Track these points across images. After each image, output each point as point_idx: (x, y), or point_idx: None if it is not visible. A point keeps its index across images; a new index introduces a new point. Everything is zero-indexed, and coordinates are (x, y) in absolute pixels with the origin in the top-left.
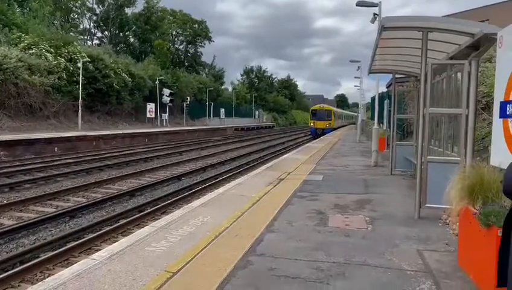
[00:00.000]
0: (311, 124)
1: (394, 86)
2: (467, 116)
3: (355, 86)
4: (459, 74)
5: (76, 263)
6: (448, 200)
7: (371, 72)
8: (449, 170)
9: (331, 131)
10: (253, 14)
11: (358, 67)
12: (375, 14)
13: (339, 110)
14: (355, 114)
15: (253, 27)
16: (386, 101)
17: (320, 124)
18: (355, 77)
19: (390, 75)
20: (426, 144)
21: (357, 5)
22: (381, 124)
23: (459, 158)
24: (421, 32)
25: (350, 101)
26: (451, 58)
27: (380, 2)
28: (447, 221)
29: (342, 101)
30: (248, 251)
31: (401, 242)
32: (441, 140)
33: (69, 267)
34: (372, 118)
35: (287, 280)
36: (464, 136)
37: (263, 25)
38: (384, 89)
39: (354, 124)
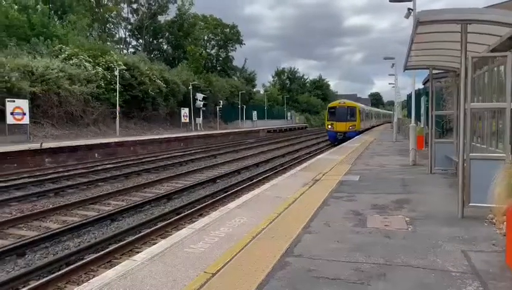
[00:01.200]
0: (329, 126)
1: (431, 82)
2: (511, 111)
3: (389, 83)
4: (501, 67)
5: (118, 264)
6: (493, 199)
7: (406, 68)
8: (493, 167)
9: (357, 135)
10: (282, 15)
11: (393, 64)
12: (409, 9)
13: (368, 107)
14: (390, 112)
15: (282, 28)
16: (423, 98)
17: (341, 126)
18: (389, 75)
19: (427, 71)
20: (468, 140)
21: (390, 1)
22: (418, 122)
23: (504, 154)
24: (460, 25)
25: (385, 100)
26: (492, 51)
27: None
28: (493, 220)
29: (376, 99)
30: (285, 252)
31: (444, 243)
32: (484, 136)
33: (113, 269)
34: (409, 115)
35: (326, 281)
36: (510, 131)
37: (292, 25)
38: (421, 86)
39: (389, 122)
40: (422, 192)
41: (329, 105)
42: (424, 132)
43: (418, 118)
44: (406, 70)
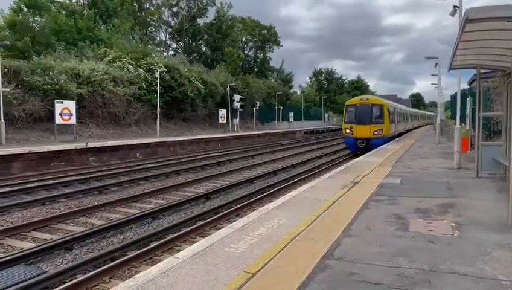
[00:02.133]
0: (346, 130)
1: (478, 82)
2: None
3: (432, 84)
4: None
5: (160, 261)
6: None
7: (451, 68)
8: None
9: (385, 143)
10: (319, 16)
11: (436, 64)
12: (455, 6)
13: (402, 106)
14: (431, 113)
15: (319, 29)
16: (468, 99)
17: (363, 131)
18: (432, 75)
19: (471, 72)
20: None
21: None
22: (463, 124)
23: None
24: (511, 23)
25: (426, 100)
26: None
27: None
28: None
29: (417, 100)
30: (325, 254)
31: (493, 250)
32: None
33: (156, 265)
34: (453, 117)
35: (368, 285)
36: None
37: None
38: (466, 86)
39: (431, 124)
40: (469, 196)
41: (348, 102)
42: (470, 134)
43: (463, 119)
44: (450, 70)
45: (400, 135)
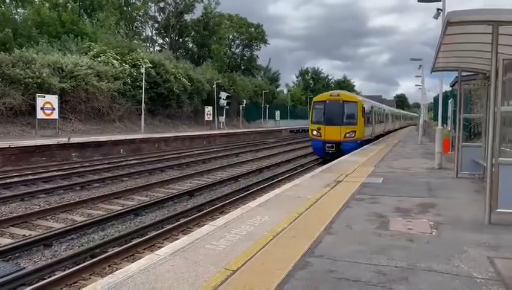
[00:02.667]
0: (313, 131)
1: (460, 84)
2: None
3: (416, 85)
4: None
5: (141, 258)
6: None
7: (434, 70)
8: None
9: (359, 147)
10: (307, 15)
11: (420, 65)
12: (438, 9)
13: (381, 105)
14: (413, 114)
15: (306, 28)
16: (450, 101)
17: (332, 133)
18: (416, 76)
19: (454, 74)
20: (497, 145)
21: (419, 1)
22: (445, 125)
23: None
24: (491, 26)
25: (410, 101)
26: None
27: None
28: None
29: (401, 101)
30: (306, 252)
31: (469, 248)
32: None
33: (136, 262)
34: (435, 118)
35: (347, 282)
36: None
37: (317, 25)
38: (448, 88)
39: (414, 125)
40: (448, 196)
41: (315, 98)
42: (451, 135)
43: (444, 120)
44: (433, 72)
45: (378, 137)
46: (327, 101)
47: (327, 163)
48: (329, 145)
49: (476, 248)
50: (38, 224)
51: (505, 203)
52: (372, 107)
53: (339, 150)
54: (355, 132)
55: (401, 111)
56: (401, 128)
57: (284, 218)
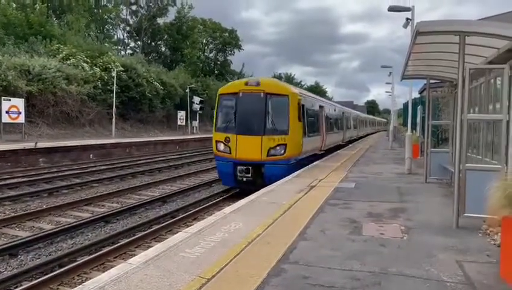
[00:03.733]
0: (220, 144)
1: (428, 92)
2: (507, 122)
3: (386, 92)
4: (498, 79)
5: (112, 267)
6: (488, 209)
7: (404, 77)
8: (489, 178)
9: (294, 170)
10: (278, 20)
11: (390, 72)
12: (407, 18)
13: (336, 105)
14: (381, 119)
15: (279, 33)
16: (419, 107)
17: (248, 147)
18: (386, 83)
19: (423, 81)
20: (464, 151)
21: (389, 10)
22: (414, 131)
23: (499, 166)
24: (458, 37)
25: (381, 108)
26: (489, 63)
27: (413, 6)
28: (488, 231)
29: (372, 107)
30: (281, 258)
31: (439, 252)
32: (479, 147)
33: (107, 272)
34: (405, 124)
35: (321, 288)
36: (505, 143)
37: (289, 31)
38: (417, 95)
39: (385, 130)
40: (418, 201)
41: (223, 89)
42: (420, 140)
43: (413, 126)
44: (403, 80)
45: (332, 150)
46: (240, 94)
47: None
48: (243, 168)
49: (445, 252)
50: (3, 233)
51: (471, 208)
52: (322, 107)
53: (260, 176)
54: (285, 146)
55: (369, 116)
56: (368, 135)
57: (259, 224)
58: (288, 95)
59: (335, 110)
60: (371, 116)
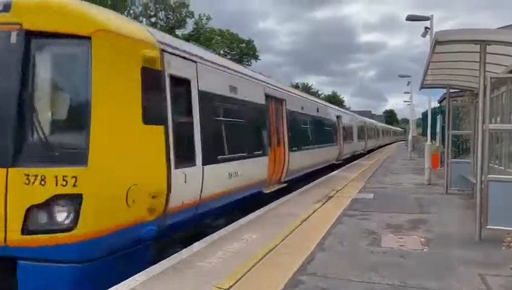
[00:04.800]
0: None
1: (448, 101)
2: None
3: (404, 101)
4: None
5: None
6: None
7: (423, 87)
8: None
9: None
10: (294, 30)
11: (408, 82)
12: (426, 28)
13: (334, 109)
14: (398, 129)
15: (294, 43)
16: (438, 117)
17: None
18: (404, 92)
19: (442, 90)
20: (486, 162)
21: (407, 20)
22: (433, 141)
23: None
24: (479, 45)
25: (399, 117)
26: (510, 72)
27: (432, 15)
28: (511, 244)
29: (390, 116)
30: (298, 269)
31: (461, 265)
32: (502, 157)
33: (132, 278)
34: (424, 134)
35: None
36: None
37: (304, 41)
38: (436, 104)
39: (403, 141)
40: (438, 212)
41: None
42: (440, 150)
43: (433, 136)
44: (422, 89)
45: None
46: None
47: (320, 177)
48: None
49: (466, 265)
50: None
51: (495, 220)
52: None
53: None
54: (78, 200)
55: (384, 125)
56: (382, 146)
57: (276, 235)
58: (97, 34)
59: (327, 114)
60: (384, 125)
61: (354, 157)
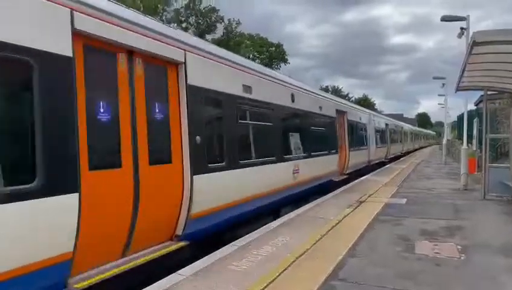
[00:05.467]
0: None
1: (485, 104)
2: None
3: (438, 104)
4: None
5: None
6: None
7: (458, 89)
8: None
9: None
10: (323, 33)
11: (443, 84)
12: (462, 28)
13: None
14: (429, 132)
15: (323, 46)
16: (475, 120)
17: None
18: (438, 95)
19: (479, 92)
20: None
21: (442, 20)
22: (470, 145)
23: None
24: None
25: (433, 120)
26: None
27: (468, 16)
28: None
29: (423, 120)
30: (330, 275)
31: (501, 274)
32: None
33: (158, 282)
34: (459, 137)
35: None
36: None
37: (333, 44)
38: (473, 107)
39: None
40: (476, 219)
41: None
42: (477, 155)
43: (469, 140)
44: (458, 91)
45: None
46: None
47: (350, 182)
48: None
49: (508, 274)
50: None
51: None
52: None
53: None
54: None
55: (419, 129)
56: (420, 148)
57: (306, 239)
58: None
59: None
60: (419, 129)
61: (396, 157)
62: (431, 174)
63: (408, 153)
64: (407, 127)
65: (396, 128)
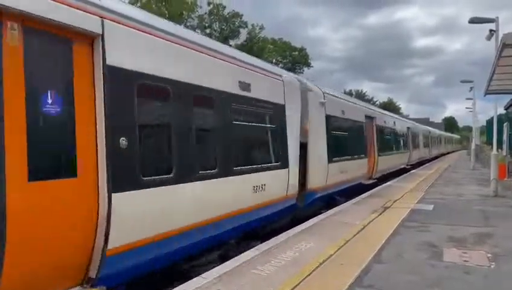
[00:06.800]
0: None
1: None
2: None
3: (466, 108)
4: None
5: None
6: None
7: (488, 92)
8: None
9: None
10: (346, 37)
11: (471, 88)
12: (491, 30)
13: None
14: (454, 136)
15: (347, 50)
16: (505, 124)
17: None
18: (466, 98)
19: (508, 96)
20: None
21: (470, 22)
22: (500, 150)
23: None
24: None
25: (460, 124)
26: None
27: (497, 17)
28: None
29: (450, 124)
30: (355, 281)
31: None
32: None
33: (184, 284)
34: (489, 142)
35: None
36: None
37: (357, 47)
38: (502, 111)
39: (466, 149)
40: (506, 226)
41: None
42: (507, 160)
43: (499, 145)
44: (486, 95)
45: None
46: None
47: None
48: None
49: None
50: None
51: None
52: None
53: None
54: None
55: (446, 133)
56: (447, 153)
57: (331, 244)
58: None
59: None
60: (446, 134)
61: (420, 163)
62: (459, 180)
63: (443, 154)
64: (443, 133)
65: (434, 135)
